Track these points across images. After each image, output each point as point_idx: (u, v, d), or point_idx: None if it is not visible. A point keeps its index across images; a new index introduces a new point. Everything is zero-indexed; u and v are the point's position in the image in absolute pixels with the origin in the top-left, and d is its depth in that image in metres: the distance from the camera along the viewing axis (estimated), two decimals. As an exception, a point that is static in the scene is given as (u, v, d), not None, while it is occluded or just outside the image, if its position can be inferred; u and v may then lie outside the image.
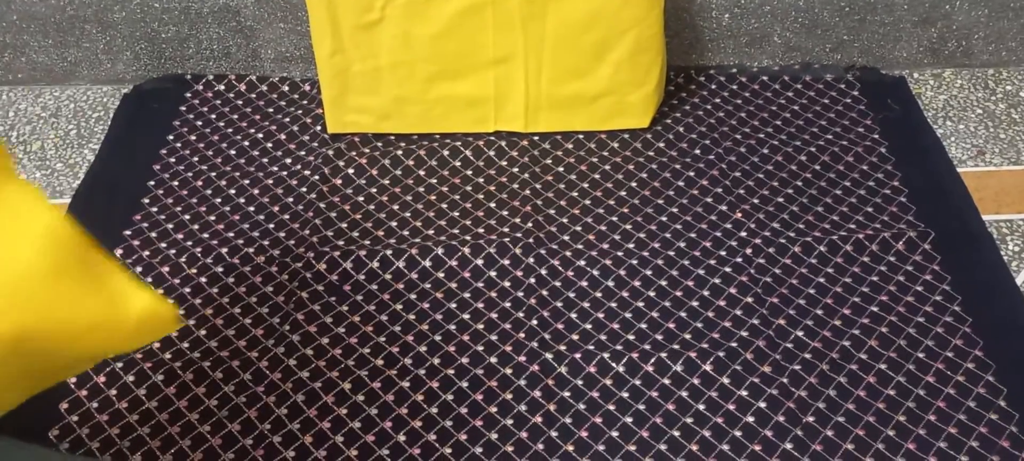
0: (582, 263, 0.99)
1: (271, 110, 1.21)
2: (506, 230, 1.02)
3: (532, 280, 0.97)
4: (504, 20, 1.09)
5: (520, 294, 0.96)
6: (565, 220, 1.04)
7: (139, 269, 0.98)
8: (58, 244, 0.57)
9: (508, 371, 0.88)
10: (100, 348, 0.63)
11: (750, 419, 0.84)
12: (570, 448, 0.82)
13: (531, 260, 0.98)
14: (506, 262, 0.98)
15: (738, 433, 0.83)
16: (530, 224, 1.03)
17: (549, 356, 0.89)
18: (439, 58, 1.10)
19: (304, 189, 1.07)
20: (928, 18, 1.22)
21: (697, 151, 1.13)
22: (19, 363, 0.56)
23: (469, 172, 1.10)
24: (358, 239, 1.02)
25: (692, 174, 1.10)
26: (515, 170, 1.10)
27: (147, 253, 1.00)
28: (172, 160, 1.12)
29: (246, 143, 1.15)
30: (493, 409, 0.85)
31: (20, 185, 0.59)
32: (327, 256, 0.99)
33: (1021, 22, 1.22)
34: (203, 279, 0.97)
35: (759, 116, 1.18)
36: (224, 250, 1.00)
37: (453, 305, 0.94)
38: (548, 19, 1.09)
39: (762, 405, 0.85)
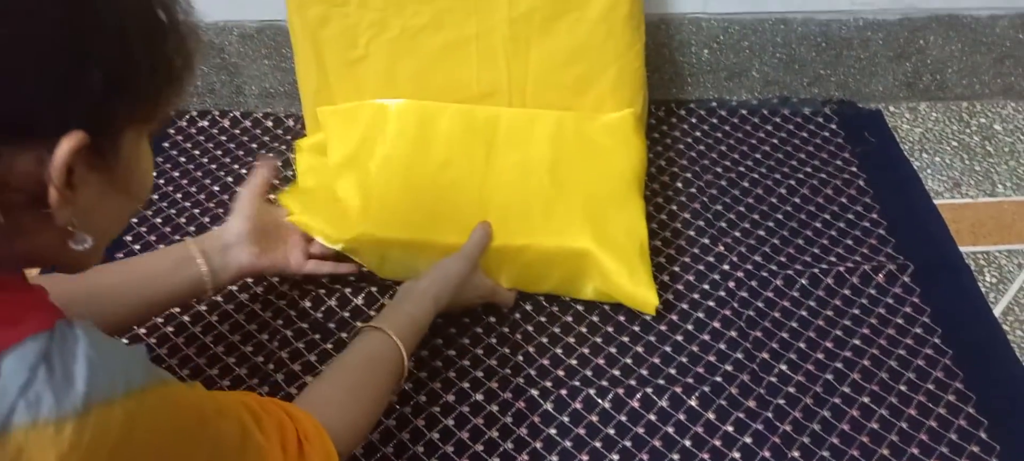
0: (567, 299, 0.99)
1: (255, 146, 1.21)
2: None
3: (517, 315, 0.97)
4: (488, 56, 1.10)
5: (505, 329, 0.96)
6: (549, 255, 1.04)
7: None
8: None
9: (494, 408, 0.88)
10: None
11: (736, 455, 0.84)
12: (557, 486, 0.82)
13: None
14: (491, 298, 0.98)
15: (724, 468, 0.83)
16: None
17: (535, 393, 0.89)
18: (423, 93, 1.10)
19: (288, 225, 1.07)
20: (903, 53, 1.25)
21: (678, 184, 1.14)
22: None
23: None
24: (343, 275, 1.01)
25: (674, 208, 1.11)
26: (499, 205, 1.11)
27: (129, 292, 0.99)
28: (155, 197, 1.12)
29: (230, 179, 1.15)
30: (479, 448, 0.85)
31: None
32: (312, 293, 0.99)
33: (993, 56, 1.25)
34: (186, 318, 0.96)
35: (739, 149, 1.20)
36: (207, 288, 0.99)
37: (438, 341, 0.94)
38: (531, 55, 1.10)
39: (747, 440, 0.85)
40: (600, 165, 1.04)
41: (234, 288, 1.00)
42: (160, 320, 0.96)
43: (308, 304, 0.98)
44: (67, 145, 0.44)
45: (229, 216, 0.90)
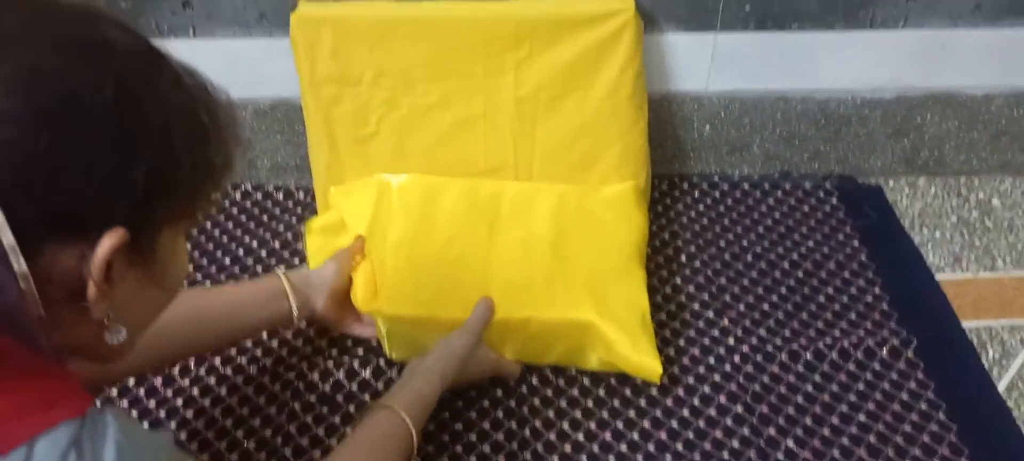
0: (573, 372, 1.00)
1: (265, 217, 1.23)
2: (497, 339, 1.03)
3: (523, 388, 0.98)
4: (495, 133, 1.13)
5: (512, 403, 0.96)
6: (555, 328, 1.05)
7: (131, 381, 0.98)
8: None
9: (501, 484, 0.88)
10: None
11: (743, 532, 0.84)
12: None
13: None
14: (498, 371, 0.99)
15: (732, 547, 0.82)
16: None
17: (542, 468, 0.89)
18: (432, 169, 1.13)
19: (297, 298, 1.09)
20: (901, 129, 1.27)
21: (682, 258, 1.16)
22: None
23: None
24: (351, 348, 1.02)
25: (678, 281, 1.12)
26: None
27: (140, 364, 1.00)
28: (167, 269, 1.13)
29: (240, 251, 1.17)
30: (486, 524, 0.85)
31: None
32: (320, 366, 1.00)
33: (989, 133, 1.28)
34: (195, 391, 0.97)
35: (742, 223, 1.22)
36: (217, 360, 1.00)
37: (446, 415, 0.95)
38: (537, 132, 1.13)
39: (755, 518, 0.85)
40: (601, 238, 1.06)
41: (242, 360, 1.00)
42: (169, 393, 0.97)
43: (316, 377, 0.99)
44: (109, 242, 0.45)
45: (327, 261, 0.98)
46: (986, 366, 1.02)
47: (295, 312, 0.92)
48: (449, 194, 1.09)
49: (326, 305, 0.95)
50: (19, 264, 0.42)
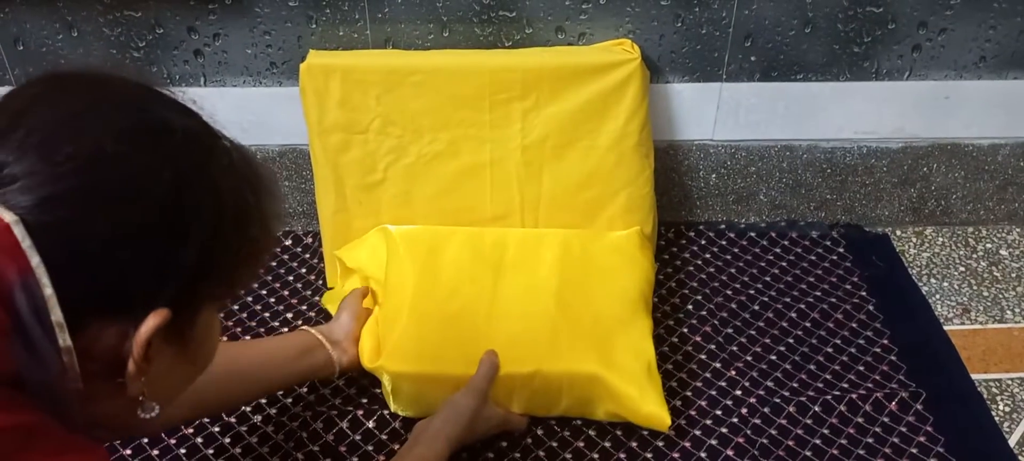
0: (578, 423, 0.99)
1: (273, 263, 1.23)
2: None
3: (528, 440, 0.97)
4: (502, 181, 1.13)
5: (517, 455, 0.95)
6: (561, 378, 1.04)
7: (135, 428, 0.97)
8: None
9: (505, 538, 0.87)
10: None
11: None
12: None
13: (528, 420, 0.99)
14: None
15: None
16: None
17: (547, 522, 0.88)
18: (438, 215, 1.14)
19: (303, 345, 1.08)
20: (907, 179, 1.27)
21: (689, 307, 1.16)
22: None
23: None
24: (355, 397, 1.02)
25: (685, 331, 1.12)
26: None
27: (143, 411, 0.99)
28: (173, 314, 1.14)
29: (249, 298, 1.17)
30: None
31: None
32: (324, 415, 0.99)
33: (996, 183, 1.28)
34: (199, 439, 0.97)
35: (748, 272, 1.21)
36: (221, 408, 1.00)
37: (451, 466, 0.94)
38: (544, 180, 1.13)
39: None
40: (606, 284, 1.06)
41: (246, 409, 1.00)
42: (172, 441, 0.96)
43: (320, 425, 0.98)
44: (153, 322, 0.45)
45: (340, 312, 1.01)
46: (997, 420, 1.00)
47: (337, 369, 0.97)
48: (453, 244, 1.09)
49: (353, 356, 0.99)
50: (64, 340, 0.43)
